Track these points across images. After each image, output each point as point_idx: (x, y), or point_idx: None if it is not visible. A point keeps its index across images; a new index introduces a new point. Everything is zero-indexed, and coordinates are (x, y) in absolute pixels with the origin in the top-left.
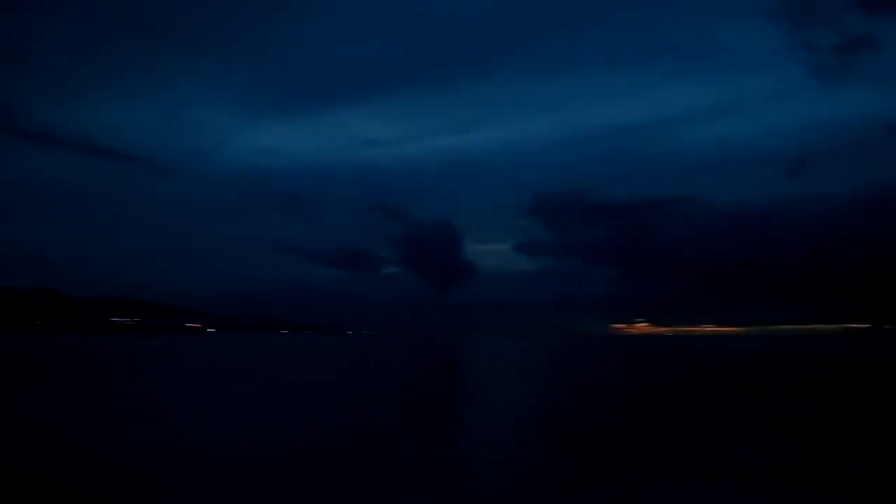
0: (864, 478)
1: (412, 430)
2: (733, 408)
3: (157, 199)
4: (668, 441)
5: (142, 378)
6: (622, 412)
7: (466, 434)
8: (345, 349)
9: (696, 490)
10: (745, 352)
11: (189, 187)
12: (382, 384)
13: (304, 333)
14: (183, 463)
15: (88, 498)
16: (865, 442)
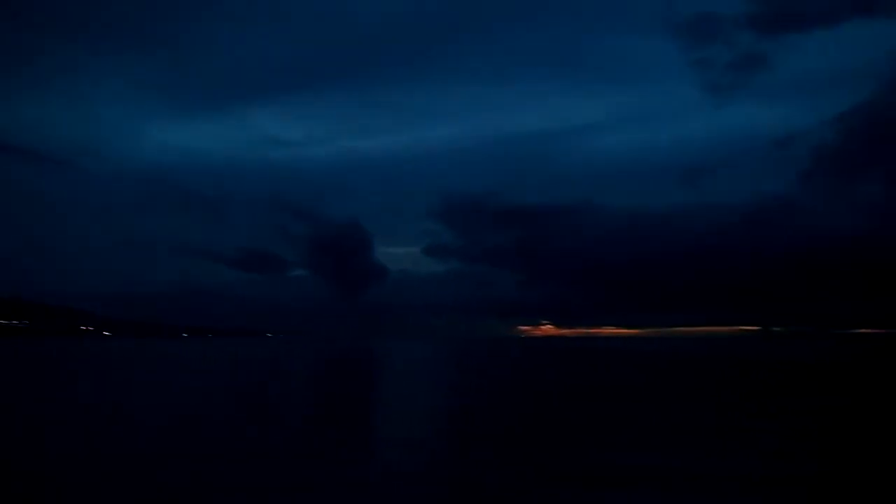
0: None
1: (312, 442)
2: (632, 409)
3: (52, 195)
4: (573, 448)
5: None
6: (527, 416)
7: (373, 445)
8: (247, 353)
9: (604, 499)
10: (642, 353)
11: (86, 184)
12: (282, 389)
13: (205, 337)
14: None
15: None
16: (754, 444)
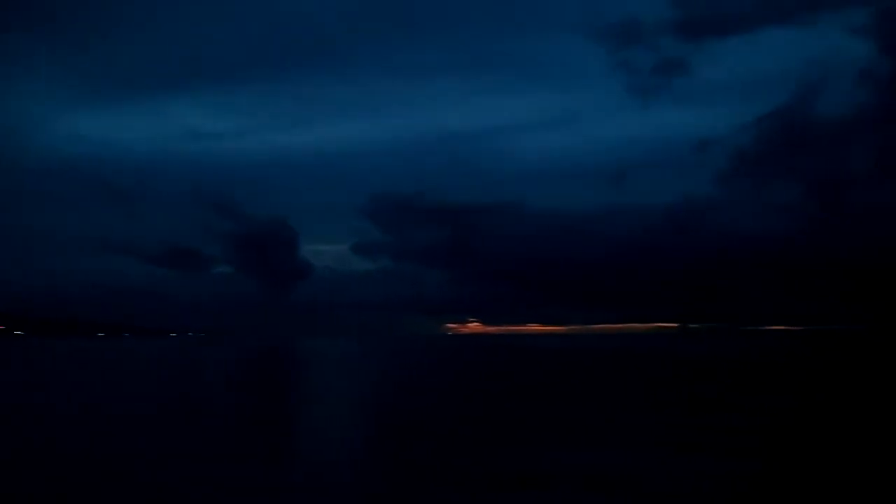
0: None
1: (229, 448)
2: (552, 408)
3: None
4: (489, 447)
5: None
6: (449, 416)
7: (294, 449)
8: (166, 352)
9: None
10: (567, 350)
11: None
12: (203, 390)
13: (122, 336)
14: None
15: None
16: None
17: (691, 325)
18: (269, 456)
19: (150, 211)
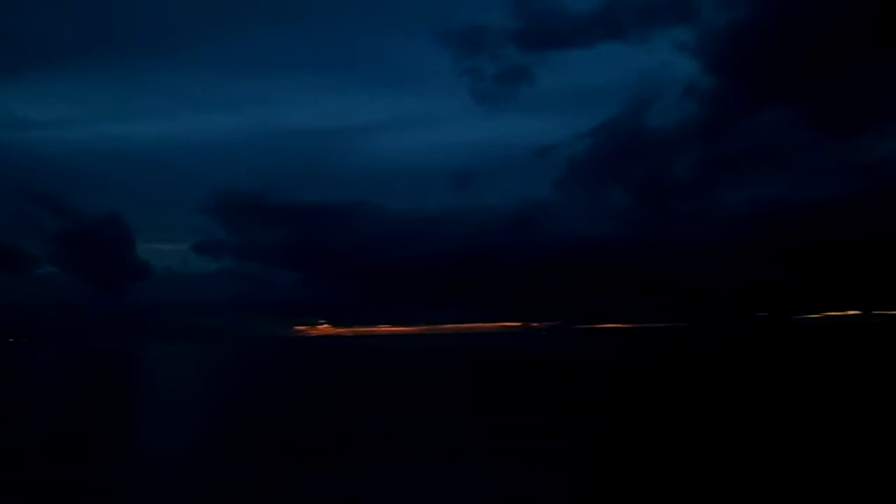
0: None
1: (53, 458)
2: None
3: None
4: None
5: None
6: (280, 424)
7: (120, 452)
8: None
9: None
10: (414, 350)
11: None
12: (23, 399)
13: None
14: None
15: None
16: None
17: (533, 324)
18: (98, 459)
19: None
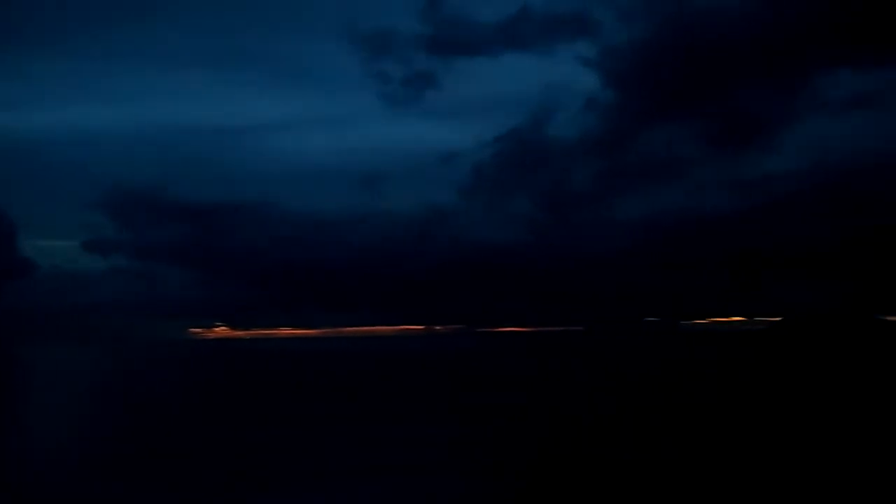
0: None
1: None
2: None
3: None
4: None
5: None
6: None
7: None
8: None
9: None
10: (315, 353)
11: None
12: None
13: None
14: None
15: None
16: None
17: (436, 327)
18: None
19: None
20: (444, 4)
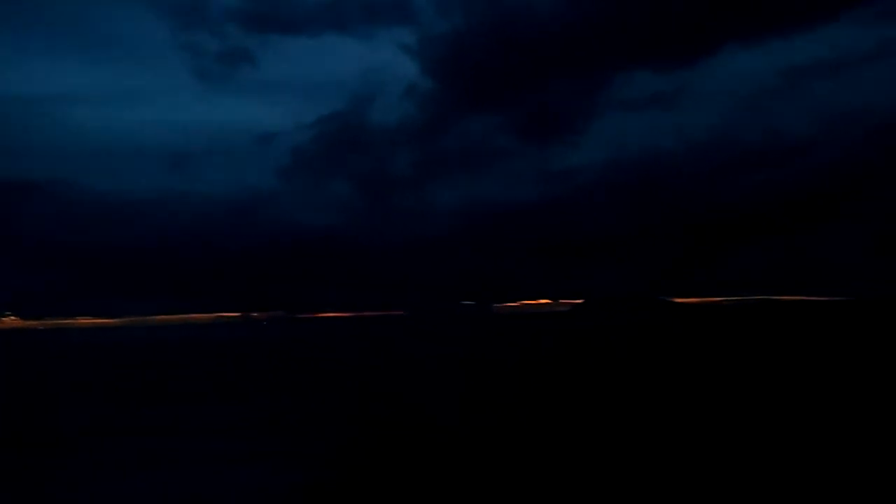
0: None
1: None
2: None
3: None
4: None
5: None
6: None
7: None
8: None
9: None
10: (117, 344)
11: None
12: None
13: None
14: None
15: None
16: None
17: (252, 315)
18: None
19: None
20: None
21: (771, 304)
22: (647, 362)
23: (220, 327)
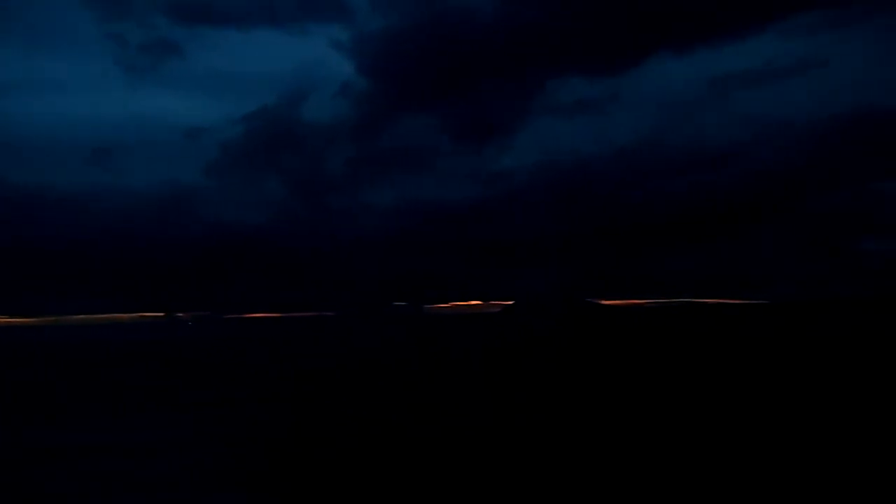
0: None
1: None
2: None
3: None
4: None
5: None
6: None
7: None
8: None
9: None
10: (32, 344)
11: None
12: None
13: None
14: None
15: None
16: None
17: (178, 314)
18: None
19: None
20: None
21: (693, 306)
22: (569, 363)
23: (143, 327)
